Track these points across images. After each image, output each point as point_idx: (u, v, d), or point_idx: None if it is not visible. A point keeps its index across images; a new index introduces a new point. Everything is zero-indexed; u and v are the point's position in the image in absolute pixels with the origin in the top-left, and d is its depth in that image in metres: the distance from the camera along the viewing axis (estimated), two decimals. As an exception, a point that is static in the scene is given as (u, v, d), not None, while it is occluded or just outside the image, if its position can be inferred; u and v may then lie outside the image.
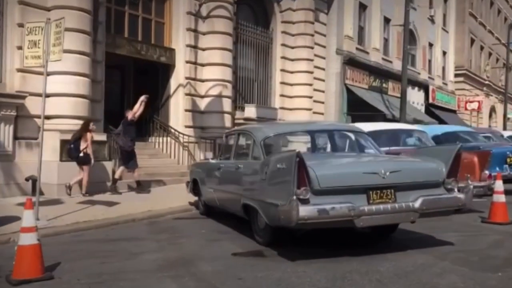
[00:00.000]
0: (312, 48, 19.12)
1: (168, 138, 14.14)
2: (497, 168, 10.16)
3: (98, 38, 11.85)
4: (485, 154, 7.85)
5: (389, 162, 5.33)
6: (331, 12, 21.24)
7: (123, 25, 13.33)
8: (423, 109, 29.40)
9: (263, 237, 5.51)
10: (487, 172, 7.74)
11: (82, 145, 10.20)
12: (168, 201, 9.47)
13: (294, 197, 4.47)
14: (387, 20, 25.68)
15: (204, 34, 14.82)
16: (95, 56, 11.76)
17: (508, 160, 10.37)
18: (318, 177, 4.66)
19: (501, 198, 6.96)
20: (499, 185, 7.00)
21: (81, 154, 10.17)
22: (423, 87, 29.39)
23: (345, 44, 21.62)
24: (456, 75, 36.12)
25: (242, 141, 6.71)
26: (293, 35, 18.82)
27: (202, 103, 14.80)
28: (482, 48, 41.54)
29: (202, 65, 14.81)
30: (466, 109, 35.65)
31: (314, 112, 20.30)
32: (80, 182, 10.25)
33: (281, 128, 6.97)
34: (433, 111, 29.86)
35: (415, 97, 28.35)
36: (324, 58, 21.09)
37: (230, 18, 14.99)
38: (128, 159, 11.07)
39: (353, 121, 21.99)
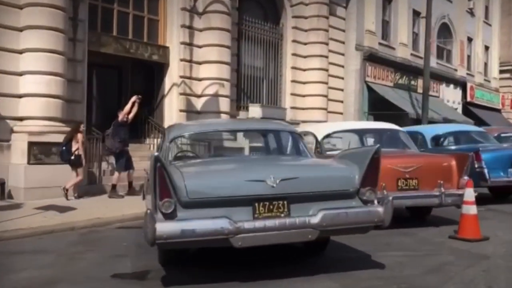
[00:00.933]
0: (326, 44, 18.09)
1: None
2: (501, 173, 8.95)
3: (78, 37, 11.44)
4: (464, 157, 6.71)
5: (283, 168, 4.43)
6: (350, 6, 20.09)
7: (111, 23, 12.89)
8: (460, 107, 27.55)
9: (158, 254, 4.75)
10: (466, 178, 6.61)
11: (74, 147, 10.01)
12: (131, 207, 8.85)
13: (149, 211, 3.70)
14: (416, 13, 24.15)
15: (200, 30, 14.18)
16: (75, 55, 11.37)
17: (514, 163, 9.07)
18: (187, 187, 3.85)
19: (472, 209, 5.85)
20: (469, 194, 5.89)
21: (73, 157, 9.99)
22: (460, 84, 27.54)
23: (366, 40, 20.40)
24: (501, 71, 33.77)
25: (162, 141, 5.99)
26: (305, 31, 17.87)
27: (199, 103, 14.16)
28: (532, 42, 38.72)
29: (199, 63, 14.17)
30: (511, 107, 33.26)
31: (331, 112, 19.26)
32: (77, 185, 10.14)
33: (194, 128, 6.12)
34: (471, 110, 27.92)
35: (451, 95, 26.58)
36: (343, 54, 19.98)
37: (228, 13, 14.25)
38: (116, 160, 10.76)
39: (376, 121, 20.77)
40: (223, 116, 14.06)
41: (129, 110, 10.90)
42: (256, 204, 3.92)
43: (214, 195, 3.90)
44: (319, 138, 7.71)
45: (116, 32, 13.00)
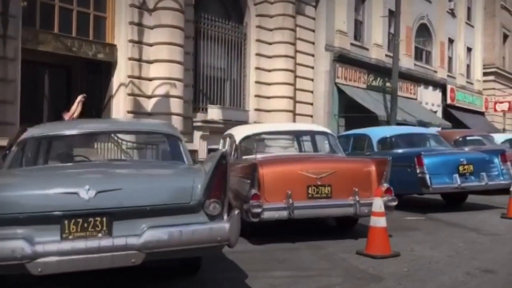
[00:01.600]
0: (293, 44, 17.45)
1: (111, 144, 12.89)
2: (446, 179, 8.32)
3: (8, 33, 10.77)
4: (383, 162, 6.06)
5: (105, 177, 3.75)
6: (320, 5, 19.48)
7: (52, 20, 12.22)
8: (440, 110, 26.95)
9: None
10: (385, 185, 5.96)
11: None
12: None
13: None
14: (393, 14, 23.51)
15: (151, 28, 13.52)
16: (5, 53, 10.70)
17: (461, 168, 8.44)
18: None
19: (380, 222, 5.20)
20: (377, 204, 5.24)
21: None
22: (440, 86, 26.95)
23: (336, 40, 19.79)
24: (485, 74, 33.25)
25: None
26: (271, 30, 17.24)
27: (149, 104, 13.49)
28: (518, 44, 38.20)
29: (149, 62, 13.50)
30: (495, 110, 32.69)
31: (300, 114, 18.63)
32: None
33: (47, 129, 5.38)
34: (452, 113, 27.33)
35: (430, 97, 25.99)
36: (312, 55, 19.35)
37: (180, 10, 13.60)
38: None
39: (347, 124, 20.19)
40: (175, 117, 13.41)
41: (75, 111, 10.30)
42: (66, 222, 3.26)
43: (12, 210, 3.23)
44: (237, 141, 7.05)
45: (57, 29, 12.31)
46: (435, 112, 26.53)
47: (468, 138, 12.81)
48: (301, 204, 5.71)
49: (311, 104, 19.37)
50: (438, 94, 26.85)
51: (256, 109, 16.97)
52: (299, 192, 5.76)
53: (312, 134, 7.57)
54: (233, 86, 16.75)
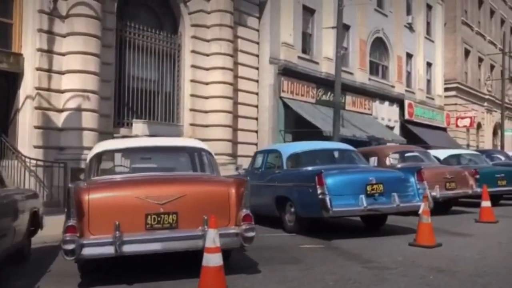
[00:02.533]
0: (231, 56, 16.54)
1: (16, 162, 11.72)
2: (351, 201, 7.36)
3: None
4: (242, 183, 5.07)
5: None
6: (264, 16, 18.71)
7: None
8: (397, 125, 26.29)
9: None
10: (244, 211, 4.96)
11: None
12: None
13: None
14: (346, 27, 22.90)
15: (64, 36, 12.48)
16: None
17: (369, 188, 7.50)
18: None
19: (213, 260, 4.19)
20: (209, 238, 4.22)
21: None
22: (397, 101, 26.32)
23: (282, 53, 18.98)
24: (446, 89, 32.88)
25: None
26: (207, 41, 16.35)
27: (60, 118, 12.38)
28: (481, 59, 38.09)
29: (61, 72, 12.43)
30: (457, 126, 32.24)
31: (244, 130, 17.77)
32: None
33: None
34: (410, 129, 26.69)
35: (386, 113, 25.32)
36: (256, 68, 18.51)
37: (96, 17, 12.58)
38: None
39: (296, 140, 19.29)
40: (87, 133, 12.29)
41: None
42: None
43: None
44: (88, 158, 6.00)
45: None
46: (392, 127, 25.86)
47: (407, 154, 11.98)
48: (133, 238, 4.66)
49: (256, 119, 18.47)
50: (395, 109, 26.21)
51: (192, 124, 15.97)
52: (135, 222, 4.72)
53: (179, 150, 6.54)
54: (166, 100, 15.74)
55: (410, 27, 28.10)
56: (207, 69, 16.31)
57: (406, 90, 27.59)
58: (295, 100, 19.23)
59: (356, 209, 7.37)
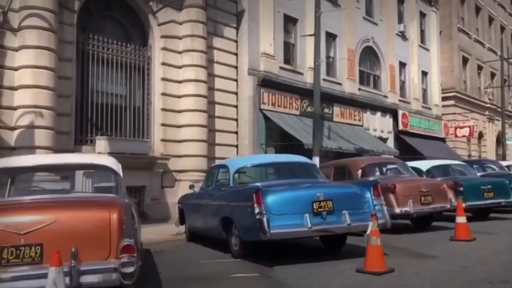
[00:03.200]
0: (204, 67, 15.81)
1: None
2: (294, 220, 6.52)
3: None
4: (119, 206, 4.24)
5: None
6: (242, 26, 18.03)
7: None
8: (391, 136, 25.35)
9: None
10: (126, 241, 4.13)
11: None
12: None
13: None
14: (331, 36, 22.19)
15: (17, 50, 11.83)
16: None
17: (316, 206, 6.64)
18: None
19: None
20: (50, 278, 3.39)
21: None
22: (391, 112, 25.41)
23: (262, 63, 18.24)
24: (444, 98, 31.92)
25: None
26: (180, 53, 15.66)
27: (12, 137, 11.67)
28: (480, 67, 37.13)
29: (13, 88, 11.76)
30: (456, 136, 31.21)
31: (223, 145, 16.98)
32: None
33: None
34: (404, 140, 25.74)
35: (378, 124, 24.41)
36: (235, 80, 17.78)
37: (51, 29, 11.93)
38: None
39: (278, 153, 18.49)
40: (42, 152, 11.55)
41: None
42: None
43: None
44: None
45: None
46: (386, 139, 24.94)
47: (378, 167, 11.10)
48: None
49: (236, 133, 17.69)
50: (388, 120, 25.30)
51: (163, 140, 15.20)
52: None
53: (77, 168, 5.73)
54: (136, 115, 15.01)
55: (402, 35, 27.31)
56: (179, 82, 15.60)
57: (400, 100, 26.70)
58: (277, 112, 18.43)
59: (299, 230, 6.50)
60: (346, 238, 7.82)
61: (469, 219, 9.12)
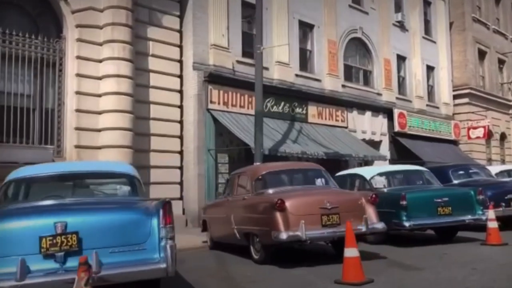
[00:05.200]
0: (129, 61, 13.56)
1: None
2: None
3: None
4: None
5: None
6: (186, 15, 15.70)
7: None
8: (386, 139, 22.37)
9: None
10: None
11: None
12: None
13: None
14: (308, 26, 19.58)
15: None
16: None
17: (45, 245, 4.15)
18: None
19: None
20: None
21: None
22: (384, 111, 22.45)
23: (212, 57, 15.84)
24: (457, 96, 28.55)
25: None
26: (101, 44, 13.47)
27: None
28: (502, 61, 33.44)
29: None
30: (469, 138, 27.77)
31: (162, 151, 14.74)
32: None
33: None
34: (401, 143, 22.71)
35: (368, 125, 21.50)
36: (179, 76, 15.46)
37: None
38: None
39: (234, 161, 16.11)
40: None
41: None
42: None
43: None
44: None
45: None
46: (378, 142, 22.01)
47: (282, 175, 8.46)
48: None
49: (179, 137, 15.33)
50: (381, 120, 22.34)
51: (77, 146, 12.99)
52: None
53: None
54: (44, 118, 12.87)
55: (401, 25, 24.34)
56: (99, 78, 13.39)
57: (399, 98, 23.70)
58: (230, 112, 15.93)
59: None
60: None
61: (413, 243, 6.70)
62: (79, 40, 13.25)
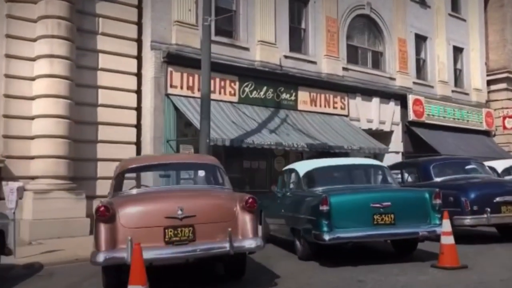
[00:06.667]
0: (66, 39, 11.95)
1: None
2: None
3: None
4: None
5: None
6: (145, -12, 13.93)
7: None
8: (398, 129, 19.76)
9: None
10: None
11: None
12: None
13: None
14: (303, 1, 17.36)
15: None
16: None
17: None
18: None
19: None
20: None
21: None
22: (396, 98, 19.81)
23: (175, 35, 13.99)
24: (492, 82, 25.27)
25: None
26: (35, 21, 11.95)
27: None
28: (549, 42, 29.55)
29: None
30: (505, 128, 24.49)
31: (112, 142, 13.00)
32: None
33: None
34: (416, 133, 20.00)
35: (375, 113, 18.96)
36: (135, 57, 13.74)
37: None
38: None
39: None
40: None
41: None
42: None
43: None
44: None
45: None
46: (389, 132, 19.46)
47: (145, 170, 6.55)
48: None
49: (135, 126, 13.62)
50: (393, 108, 19.71)
51: (6, 136, 11.54)
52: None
53: None
54: (-31, 104, 11.51)
55: (421, 1, 21.54)
56: (33, 60, 11.87)
57: (416, 83, 20.95)
58: (197, 98, 13.99)
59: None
60: None
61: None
62: (9, 16, 11.77)
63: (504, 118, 24.35)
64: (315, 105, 17.03)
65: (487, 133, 24.16)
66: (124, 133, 13.31)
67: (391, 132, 19.59)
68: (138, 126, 13.69)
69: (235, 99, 15.02)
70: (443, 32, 22.43)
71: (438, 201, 6.87)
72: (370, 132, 18.40)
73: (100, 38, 13.05)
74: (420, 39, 21.64)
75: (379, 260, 7.09)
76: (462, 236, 9.10)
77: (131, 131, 13.50)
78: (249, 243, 5.28)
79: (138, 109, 13.73)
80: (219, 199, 5.74)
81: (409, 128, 20.15)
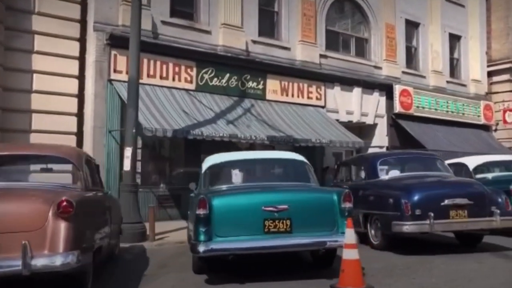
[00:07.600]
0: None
1: None
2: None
3: None
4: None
5: None
6: (90, -37, 12.75)
7: None
8: (383, 122, 18.32)
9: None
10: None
11: None
12: None
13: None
14: (275, -18, 16.02)
15: None
16: None
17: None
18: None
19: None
20: None
21: None
22: (381, 88, 18.35)
23: (122, 15, 12.79)
24: (494, 73, 23.56)
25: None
26: (-43, -1, 10.89)
27: None
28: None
29: None
30: (505, 122, 22.79)
31: (48, 132, 11.89)
32: None
33: None
34: (402, 126, 18.52)
35: (356, 104, 17.54)
36: (78, 40, 12.60)
37: None
38: None
39: (150, 146, 13.16)
40: None
41: None
42: None
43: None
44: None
45: None
46: (373, 125, 18.04)
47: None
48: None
49: (76, 115, 12.50)
50: (377, 98, 18.26)
51: None
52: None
53: None
54: None
55: (412, -16, 20.01)
56: (-47, 40, 10.83)
57: (405, 73, 19.47)
58: (146, 85, 12.79)
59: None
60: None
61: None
62: None
63: (505, 111, 22.65)
64: (287, 95, 15.72)
65: (485, 128, 22.53)
66: (63, 122, 12.21)
67: (375, 125, 18.19)
68: (80, 115, 12.58)
69: (192, 86, 13.79)
70: (437, 19, 20.84)
71: (348, 205, 5.56)
72: (350, 124, 17.06)
73: (37, 18, 11.95)
74: (412, 26, 20.12)
75: (268, 276, 5.83)
76: (404, 243, 7.78)
77: (71, 120, 12.41)
78: (58, 261, 4.00)
79: (81, 96, 12.62)
80: (21, 202, 4.48)
81: (395, 121, 18.69)
